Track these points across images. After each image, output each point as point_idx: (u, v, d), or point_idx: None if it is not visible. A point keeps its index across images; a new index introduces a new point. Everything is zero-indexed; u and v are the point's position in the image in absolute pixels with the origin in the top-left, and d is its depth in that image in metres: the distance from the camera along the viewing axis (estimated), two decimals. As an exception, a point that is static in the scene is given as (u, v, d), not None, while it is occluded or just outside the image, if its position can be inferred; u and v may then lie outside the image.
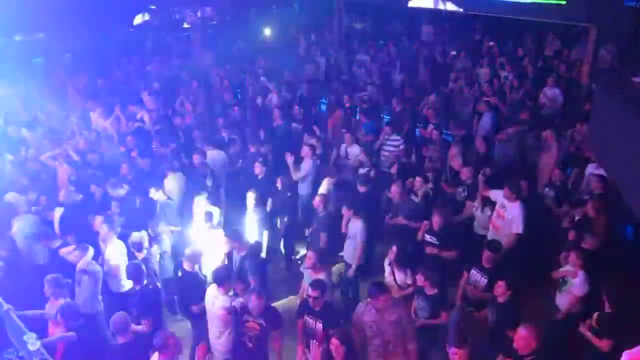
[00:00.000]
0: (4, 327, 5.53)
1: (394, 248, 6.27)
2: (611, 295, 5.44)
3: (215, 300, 5.64)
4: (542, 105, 10.72)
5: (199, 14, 19.69)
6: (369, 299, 5.29)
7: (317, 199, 7.59)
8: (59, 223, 7.52)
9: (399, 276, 6.25)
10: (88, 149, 9.44)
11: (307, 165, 8.69)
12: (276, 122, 10.52)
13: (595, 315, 5.53)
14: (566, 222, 7.47)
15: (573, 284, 6.06)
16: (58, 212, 7.66)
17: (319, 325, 5.37)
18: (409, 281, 6.22)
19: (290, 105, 11.43)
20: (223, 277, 5.67)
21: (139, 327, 5.55)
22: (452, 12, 13.67)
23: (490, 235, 7.20)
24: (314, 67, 14.35)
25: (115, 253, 6.65)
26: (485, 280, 6.14)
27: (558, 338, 5.96)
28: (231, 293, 5.88)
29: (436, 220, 6.76)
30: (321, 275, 5.92)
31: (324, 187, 8.33)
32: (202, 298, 5.85)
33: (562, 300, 6.25)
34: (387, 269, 6.39)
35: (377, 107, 11.82)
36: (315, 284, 5.43)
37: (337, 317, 5.62)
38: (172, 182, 8.36)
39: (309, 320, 5.48)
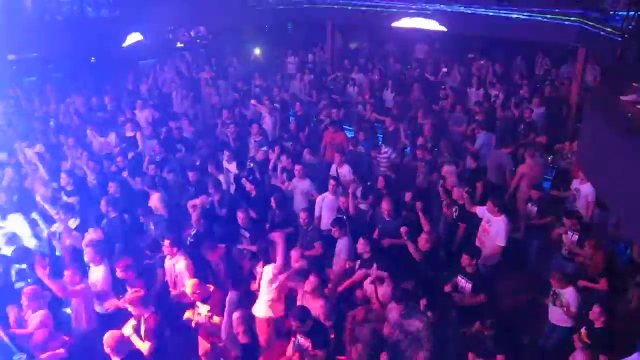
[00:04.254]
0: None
1: (374, 267, 6.25)
2: (604, 310, 5.50)
3: None
4: (529, 121, 10.85)
5: (192, 33, 19.83)
6: None
7: (303, 214, 7.57)
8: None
9: (382, 292, 6.23)
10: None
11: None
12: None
13: (583, 331, 5.60)
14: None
15: (566, 301, 6.14)
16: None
17: (309, 344, 5.41)
18: None
19: (284, 125, 11.49)
20: None
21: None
22: (444, 32, 13.88)
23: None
24: (305, 87, 14.43)
25: (100, 275, 6.54)
26: (470, 285, 6.30)
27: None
28: None
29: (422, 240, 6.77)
30: (319, 302, 5.87)
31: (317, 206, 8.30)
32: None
33: (556, 315, 6.33)
34: (369, 287, 6.32)
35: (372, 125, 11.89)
36: (298, 314, 5.47)
37: (327, 336, 5.58)
38: (156, 200, 8.35)
39: (300, 339, 5.51)
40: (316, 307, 5.80)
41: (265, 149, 10.09)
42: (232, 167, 9.40)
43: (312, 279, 6.01)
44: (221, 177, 9.01)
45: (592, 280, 6.66)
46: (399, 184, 9.05)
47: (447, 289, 6.43)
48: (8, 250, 7.15)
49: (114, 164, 9.66)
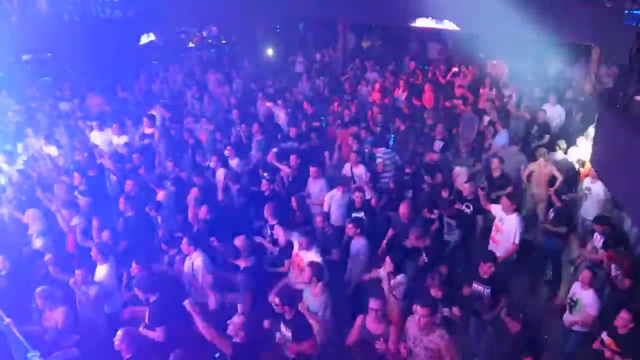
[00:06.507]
0: (7, 345, 5.54)
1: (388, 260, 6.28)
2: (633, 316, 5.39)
3: None
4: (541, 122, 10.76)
5: (204, 33, 19.91)
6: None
7: (319, 218, 7.52)
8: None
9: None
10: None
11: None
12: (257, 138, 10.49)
13: (605, 337, 5.49)
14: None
15: (585, 304, 6.06)
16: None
17: (289, 335, 5.42)
18: None
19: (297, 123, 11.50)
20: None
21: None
22: (456, 32, 13.82)
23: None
24: (316, 86, 14.42)
25: (102, 274, 6.60)
26: (489, 290, 6.22)
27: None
28: None
29: None
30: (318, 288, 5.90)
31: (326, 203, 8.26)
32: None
33: (571, 320, 6.24)
34: (385, 287, 6.25)
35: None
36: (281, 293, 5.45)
37: (307, 328, 5.51)
38: (161, 198, 8.39)
39: (283, 329, 5.52)
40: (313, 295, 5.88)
41: (275, 150, 10.08)
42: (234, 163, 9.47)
43: (307, 270, 5.93)
44: (220, 171, 9.07)
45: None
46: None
47: (466, 291, 6.35)
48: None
49: (129, 162, 9.70)
